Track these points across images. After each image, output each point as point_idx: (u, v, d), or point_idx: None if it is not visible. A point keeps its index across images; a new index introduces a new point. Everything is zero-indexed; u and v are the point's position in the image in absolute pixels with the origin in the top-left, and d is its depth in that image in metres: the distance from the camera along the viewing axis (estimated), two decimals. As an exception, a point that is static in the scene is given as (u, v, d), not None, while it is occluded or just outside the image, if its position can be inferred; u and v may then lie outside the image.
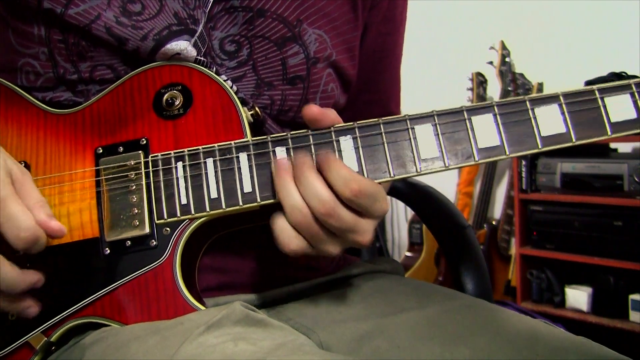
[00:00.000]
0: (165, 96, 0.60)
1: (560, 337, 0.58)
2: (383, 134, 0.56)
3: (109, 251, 0.57)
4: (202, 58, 0.61)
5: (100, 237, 0.58)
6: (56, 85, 0.62)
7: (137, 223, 0.57)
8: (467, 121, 0.56)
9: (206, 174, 0.57)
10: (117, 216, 0.58)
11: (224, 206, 0.56)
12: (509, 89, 2.47)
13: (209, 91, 0.59)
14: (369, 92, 0.80)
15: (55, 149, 0.61)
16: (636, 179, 1.99)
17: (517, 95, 2.32)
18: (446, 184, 2.65)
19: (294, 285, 0.70)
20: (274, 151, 0.57)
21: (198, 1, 0.63)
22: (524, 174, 2.26)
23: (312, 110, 0.56)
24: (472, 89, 2.61)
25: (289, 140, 0.57)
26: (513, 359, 0.55)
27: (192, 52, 0.60)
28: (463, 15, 2.80)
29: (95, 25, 0.58)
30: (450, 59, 2.82)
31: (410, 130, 0.56)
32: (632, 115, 0.56)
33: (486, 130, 0.56)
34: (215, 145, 0.57)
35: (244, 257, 0.67)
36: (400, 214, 3.06)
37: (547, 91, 0.57)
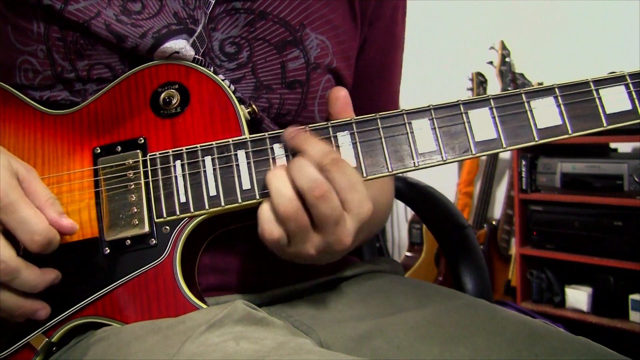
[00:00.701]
0: (163, 95, 0.60)
1: (560, 337, 0.58)
2: (380, 128, 0.57)
3: (108, 251, 0.58)
4: (200, 57, 0.61)
5: (99, 237, 0.58)
6: (54, 84, 0.62)
7: (137, 222, 0.57)
8: (463, 115, 0.57)
9: (205, 171, 0.57)
10: (116, 215, 0.58)
11: (223, 204, 0.56)
12: (509, 89, 2.47)
13: (206, 89, 0.59)
14: (367, 107, 0.80)
15: (53, 149, 0.61)
16: (636, 179, 1.99)
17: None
18: (446, 184, 2.65)
19: (294, 285, 0.70)
20: (272, 148, 0.57)
21: (199, 2, 0.63)
22: (524, 174, 2.27)
23: (341, 92, 0.57)
24: (472, 89, 2.61)
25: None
26: (512, 359, 0.55)
27: (190, 52, 0.60)
28: (463, 15, 2.80)
29: (94, 22, 0.59)
30: (450, 59, 2.82)
31: (407, 124, 0.57)
32: (627, 106, 0.57)
33: (483, 124, 0.56)
34: (213, 143, 0.58)
35: (244, 257, 0.67)
36: (400, 214, 3.06)
37: (546, 91, 0.58)
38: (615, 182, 2.05)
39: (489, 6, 2.68)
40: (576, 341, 0.58)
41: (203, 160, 0.57)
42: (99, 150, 0.60)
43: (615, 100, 0.57)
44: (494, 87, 2.59)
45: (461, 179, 2.69)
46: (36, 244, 0.52)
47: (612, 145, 2.29)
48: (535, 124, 0.56)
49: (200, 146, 0.58)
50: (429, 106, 0.57)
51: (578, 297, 2.20)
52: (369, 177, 0.56)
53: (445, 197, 0.96)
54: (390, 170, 0.56)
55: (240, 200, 0.56)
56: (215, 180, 0.57)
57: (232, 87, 0.63)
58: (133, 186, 0.58)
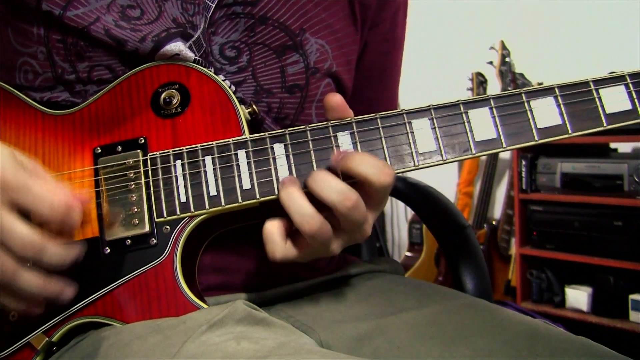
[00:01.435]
0: (163, 95, 0.60)
1: (560, 337, 0.58)
2: (380, 128, 0.57)
3: (109, 250, 0.58)
4: (200, 59, 0.61)
5: (100, 237, 0.58)
6: (54, 86, 0.62)
7: (137, 222, 0.57)
8: (463, 114, 0.57)
9: (205, 171, 0.57)
10: (117, 215, 0.58)
11: (223, 203, 0.56)
12: (509, 89, 2.46)
13: (206, 90, 0.60)
14: (366, 110, 0.80)
15: (53, 149, 0.61)
16: (636, 179, 1.99)
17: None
18: (446, 184, 2.65)
19: (294, 285, 0.70)
20: (272, 147, 0.57)
21: (198, 7, 0.63)
22: (524, 174, 2.27)
23: (336, 98, 0.56)
24: (472, 89, 2.61)
25: (287, 136, 0.57)
26: (513, 359, 0.55)
27: (190, 54, 0.60)
28: (463, 15, 2.80)
29: (93, 27, 0.59)
30: (450, 59, 2.82)
31: (407, 124, 0.57)
32: (627, 106, 0.57)
33: (483, 123, 0.56)
34: (214, 142, 0.58)
35: (244, 257, 0.67)
36: (400, 214, 3.06)
37: (546, 91, 0.58)
38: (615, 182, 2.05)
39: (489, 6, 2.68)
40: (576, 341, 0.58)
41: (203, 160, 0.57)
42: (99, 150, 0.60)
43: (615, 100, 0.57)
44: (494, 87, 2.59)
45: (461, 179, 2.69)
46: (57, 211, 0.50)
47: (612, 145, 2.29)
48: (535, 124, 0.56)
49: (201, 146, 0.58)
50: (428, 106, 0.57)
51: (578, 297, 2.20)
52: None
53: (445, 197, 0.96)
54: None
55: (240, 200, 0.56)
56: (216, 180, 0.57)
57: (233, 87, 0.63)
58: (133, 186, 0.58)
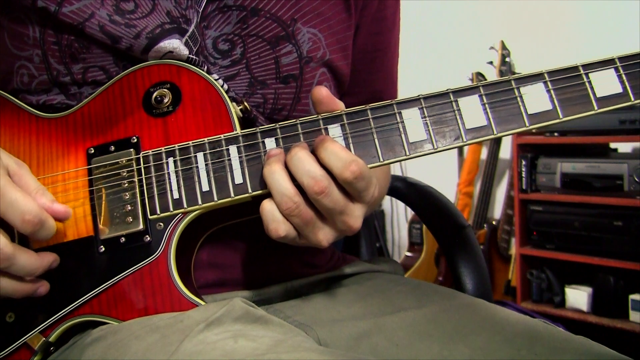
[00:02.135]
0: (155, 94, 0.60)
1: (559, 337, 0.58)
2: (371, 119, 0.57)
3: (103, 249, 0.58)
4: (193, 57, 0.61)
5: (94, 236, 0.58)
6: (50, 88, 0.63)
7: (131, 220, 0.58)
8: (453, 103, 0.57)
9: (197, 167, 0.57)
10: (111, 214, 0.58)
11: (216, 198, 0.57)
12: (509, 89, 2.47)
13: (197, 88, 0.60)
14: (365, 92, 0.79)
15: (47, 152, 0.61)
16: (636, 179, 1.99)
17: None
18: (446, 184, 2.65)
19: (291, 282, 0.70)
20: (263, 142, 0.57)
21: (190, 0, 0.63)
22: (524, 174, 2.26)
23: (322, 92, 0.56)
24: (472, 89, 2.61)
25: (278, 130, 0.57)
26: (512, 358, 0.55)
27: (184, 51, 0.61)
28: (463, 15, 2.80)
29: (88, 24, 0.59)
30: (450, 59, 2.82)
31: (397, 114, 0.57)
32: (618, 89, 0.56)
33: (473, 111, 0.56)
34: (205, 139, 0.58)
35: (242, 253, 0.67)
36: (400, 214, 3.06)
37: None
38: (615, 182, 2.04)
39: (489, 6, 2.68)
40: (576, 340, 0.57)
41: (195, 157, 0.57)
42: (92, 151, 0.60)
43: (605, 83, 0.56)
44: (494, 87, 2.58)
45: (461, 179, 2.69)
46: (28, 224, 0.52)
47: (612, 145, 2.29)
48: (525, 110, 0.56)
49: (192, 143, 0.58)
50: (418, 96, 0.57)
51: (578, 297, 2.20)
52: None
53: (445, 197, 0.96)
54: (381, 160, 0.56)
55: (232, 195, 0.56)
56: (208, 176, 0.57)
57: (226, 86, 0.63)
58: (127, 184, 0.58)
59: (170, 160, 0.58)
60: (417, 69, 2.64)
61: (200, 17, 0.63)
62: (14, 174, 0.55)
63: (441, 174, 2.28)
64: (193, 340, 0.49)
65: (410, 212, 2.89)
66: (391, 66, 0.84)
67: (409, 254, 2.78)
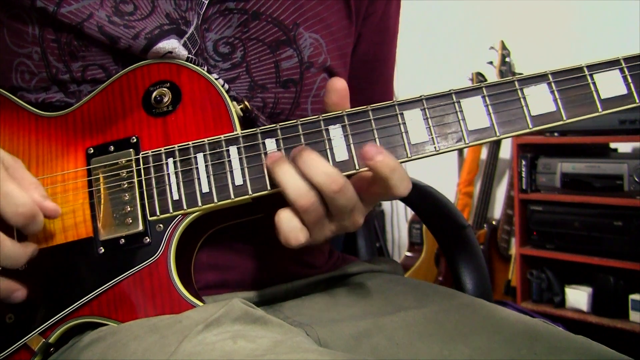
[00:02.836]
0: (154, 94, 0.60)
1: (559, 336, 0.58)
2: (372, 120, 0.56)
3: (103, 250, 0.57)
4: (193, 57, 0.61)
5: (94, 237, 0.58)
6: (49, 86, 0.63)
7: (130, 221, 0.57)
8: (455, 104, 0.56)
9: (197, 168, 0.57)
10: (110, 215, 0.58)
11: (215, 200, 0.56)
12: (509, 89, 2.46)
13: (197, 87, 0.59)
14: (362, 100, 0.79)
15: (47, 151, 0.61)
16: (636, 179, 1.99)
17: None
18: (446, 184, 2.65)
19: (292, 283, 0.70)
20: (263, 143, 0.56)
21: (191, 3, 0.63)
22: (524, 174, 2.26)
23: (340, 82, 0.55)
24: (472, 89, 2.61)
25: (278, 130, 0.56)
26: (512, 358, 0.55)
27: (183, 52, 0.60)
28: (463, 15, 2.80)
29: (87, 24, 0.59)
30: (450, 59, 2.82)
31: (399, 115, 0.56)
32: (623, 91, 0.55)
33: (476, 112, 0.56)
34: (205, 139, 0.57)
35: (242, 255, 0.67)
36: (400, 214, 3.06)
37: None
38: (615, 182, 2.04)
39: (489, 6, 2.68)
40: (576, 340, 0.57)
41: (195, 157, 0.57)
42: (92, 151, 0.60)
43: (610, 85, 0.55)
44: (494, 87, 2.58)
45: (461, 179, 2.69)
46: (21, 215, 0.52)
47: (612, 145, 2.29)
48: (529, 111, 0.55)
49: (192, 143, 0.57)
50: (420, 97, 0.56)
51: (578, 297, 2.20)
52: (361, 170, 0.55)
53: (445, 197, 0.96)
54: None
55: (233, 197, 0.56)
56: (208, 177, 0.57)
57: (227, 85, 0.62)
58: (126, 185, 0.58)
59: (170, 160, 0.58)
60: (417, 69, 2.64)
61: (201, 19, 0.63)
62: (8, 167, 0.54)
63: (441, 173, 2.28)
64: (192, 341, 0.48)
65: (410, 212, 2.89)
66: (389, 75, 0.84)
67: (409, 254, 2.78)
